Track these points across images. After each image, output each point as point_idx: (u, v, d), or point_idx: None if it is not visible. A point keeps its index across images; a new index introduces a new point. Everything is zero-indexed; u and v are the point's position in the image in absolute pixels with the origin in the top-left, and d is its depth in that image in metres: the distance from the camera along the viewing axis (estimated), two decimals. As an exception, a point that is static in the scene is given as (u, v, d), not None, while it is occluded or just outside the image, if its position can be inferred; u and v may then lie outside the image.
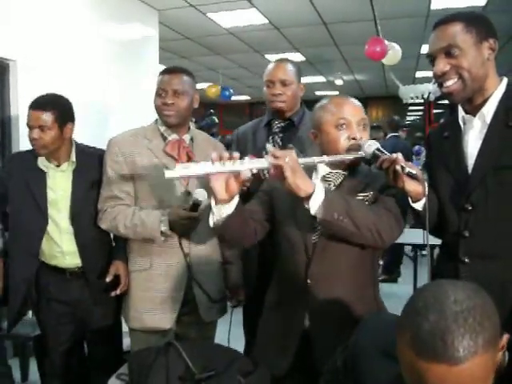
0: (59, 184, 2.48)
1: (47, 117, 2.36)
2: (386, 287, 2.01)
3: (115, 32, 5.29)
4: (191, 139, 2.39)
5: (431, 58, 1.76)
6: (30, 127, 2.39)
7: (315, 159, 1.71)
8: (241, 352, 1.86)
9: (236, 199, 1.69)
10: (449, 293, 0.99)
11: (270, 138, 2.67)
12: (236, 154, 1.60)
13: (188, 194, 2.26)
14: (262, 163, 1.60)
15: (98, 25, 4.96)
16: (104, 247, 2.55)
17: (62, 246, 2.48)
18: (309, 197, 1.62)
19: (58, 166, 2.49)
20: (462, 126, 1.83)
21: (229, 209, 1.68)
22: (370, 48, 6.42)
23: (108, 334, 2.58)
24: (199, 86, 12.37)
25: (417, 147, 7.93)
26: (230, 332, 2.35)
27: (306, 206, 1.63)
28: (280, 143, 2.63)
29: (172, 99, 2.27)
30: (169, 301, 2.28)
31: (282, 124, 2.67)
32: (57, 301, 2.51)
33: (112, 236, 2.56)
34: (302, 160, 1.65)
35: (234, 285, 2.50)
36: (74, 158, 2.50)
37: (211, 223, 1.74)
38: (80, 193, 2.47)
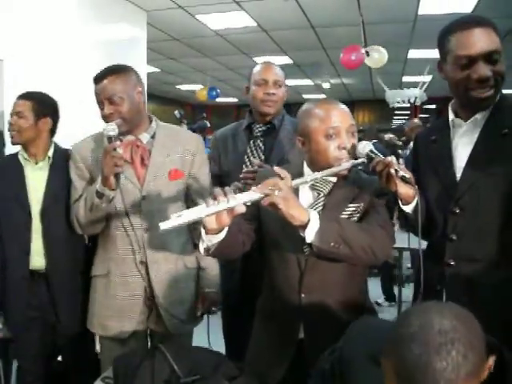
0: (35, 180, 2.48)
1: (25, 104, 2.46)
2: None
3: (103, 32, 5.27)
4: (152, 136, 2.25)
5: (469, 60, 1.67)
6: (11, 115, 2.48)
7: (308, 178, 1.68)
8: (226, 356, 1.85)
9: (227, 228, 1.63)
10: (434, 321, 0.98)
11: (252, 141, 2.64)
12: (227, 189, 1.55)
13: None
14: (255, 195, 1.56)
15: (86, 25, 4.94)
16: (71, 250, 2.49)
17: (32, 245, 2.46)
18: (303, 225, 1.58)
19: (36, 163, 2.50)
20: (452, 129, 1.84)
21: (220, 236, 1.64)
22: (345, 56, 6.42)
23: (79, 337, 2.52)
24: (187, 87, 12.40)
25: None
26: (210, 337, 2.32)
27: (302, 234, 1.59)
28: (262, 147, 2.61)
29: (109, 109, 2.12)
30: (126, 309, 2.21)
31: (263, 128, 2.63)
32: (28, 305, 2.46)
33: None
34: (294, 182, 1.62)
35: (200, 291, 2.36)
36: (50, 153, 2.50)
37: (202, 250, 1.70)
38: (52, 190, 2.45)
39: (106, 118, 2.12)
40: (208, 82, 10.59)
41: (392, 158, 1.64)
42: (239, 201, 1.54)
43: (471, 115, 1.77)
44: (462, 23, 1.71)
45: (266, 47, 8.15)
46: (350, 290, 1.84)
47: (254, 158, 2.57)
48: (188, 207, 2.20)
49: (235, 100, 14.90)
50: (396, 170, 1.60)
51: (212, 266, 2.36)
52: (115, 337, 2.24)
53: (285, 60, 9.03)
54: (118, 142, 2.02)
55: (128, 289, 2.22)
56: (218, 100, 11.31)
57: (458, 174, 1.78)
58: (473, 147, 1.76)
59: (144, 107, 2.25)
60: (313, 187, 1.83)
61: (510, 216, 1.69)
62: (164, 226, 1.50)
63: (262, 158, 2.57)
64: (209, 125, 8.14)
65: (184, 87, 12.38)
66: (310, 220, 1.58)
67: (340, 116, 1.76)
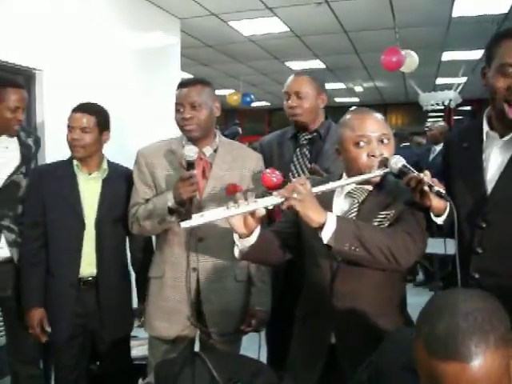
0: (88, 191, 2.53)
1: (89, 119, 2.47)
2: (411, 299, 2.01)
3: (139, 41, 5.37)
4: (215, 150, 2.35)
5: None
6: (72, 128, 2.48)
7: (331, 185, 1.74)
8: (266, 364, 1.87)
9: (257, 231, 1.75)
10: (460, 296, 1.04)
11: (298, 150, 2.67)
12: (249, 193, 1.67)
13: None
14: (274, 200, 1.65)
15: (122, 34, 5.05)
16: (120, 259, 2.59)
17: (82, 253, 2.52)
18: (322, 227, 1.63)
19: (89, 174, 2.55)
20: (485, 140, 1.81)
21: (251, 240, 1.74)
22: (386, 58, 6.41)
23: (119, 344, 2.60)
24: (219, 92, 12.47)
25: None
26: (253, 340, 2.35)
27: (320, 235, 1.64)
28: (308, 155, 2.63)
29: (190, 113, 2.23)
30: (175, 312, 2.30)
31: (309, 136, 2.67)
32: (73, 313, 2.52)
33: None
34: (316, 189, 1.68)
35: (250, 308, 2.38)
36: (105, 165, 2.56)
37: (237, 254, 1.81)
38: (106, 201, 2.53)
39: (183, 121, 2.24)
40: (241, 87, 10.63)
41: (425, 174, 1.63)
42: (259, 205, 1.66)
43: (508, 131, 1.74)
44: None
45: (298, 52, 8.15)
46: (384, 297, 1.84)
47: (300, 166, 2.61)
48: None
49: (267, 104, 14.91)
50: (430, 186, 1.60)
51: (264, 283, 2.39)
52: (161, 337, 2.33)
53: (317, 64, 9.02)
54: (195, 171, 2.12)
55: (178, 292, 2.30)
56: (251, 104, 11.36)
57: (489, 187, 1.76)
58: (507, 163, 1.74)
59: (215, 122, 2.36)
60: (349, 195, 1.85)
61: None
62: (185, 224, 1.64)
63: (308, 166, 2.59)
64: (241, 131, 8.11)
65: (216, 92, 12.47)
66: (327, 221, 1.62)
67: (371, 125, 1.79)
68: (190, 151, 2.10)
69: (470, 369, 0.95)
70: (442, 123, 7.12)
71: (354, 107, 1.98)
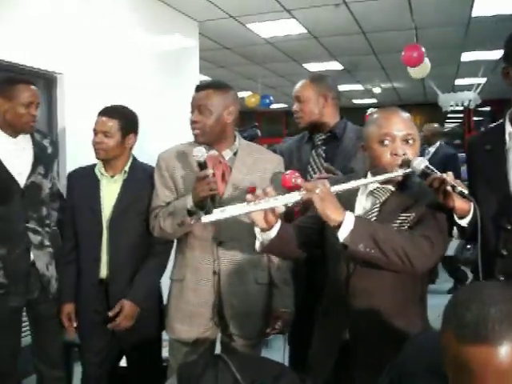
0: (109, 193, 2.57)
1: (112, 124, 2.50)
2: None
3: (158, 44, 5.42)
4: (234, 154, 2.34)
5: None
6: (95, 131, 2.52)
7: (349, 185, 1.74)
8: (288, 366, 1.88)
9: (277, 225, 1.78)
10: (488, 286, 1.06)
11: (313, 151, 2.70)
12: (269, 190, 1.70)
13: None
14: (294, 197, 1.68)
15: (141, 37, 5.09)
16: (134, 261, 2.57)
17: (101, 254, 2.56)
18: (340, 225, 1.63)
19: (112, 176, 2.58)
20: (508, 141, 1.80)
21: (271, 234, 1.78)
22: (406, 54, 6.37)
23: (146, 345, 2.60)
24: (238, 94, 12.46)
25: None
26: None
27: (336, 234, 1.65)
28: (323, 155, 2.67)
29: (196, 117, 2.25)
30: (197, 315, 2.31)
31: (324, 136, 2.70)
32: (95, 311, 2.57)
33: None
34: (335, 188, 1.69)
35: (274, 310, 2.38)
36: (127, 168, 2.59)
37: (258, 248, 1.84)
38: (123, 203, 2.55)
39: (191, 124, 2.27)
40: (259, 89, 10.62)
41: (448, 174, 1.62)
42: (279, 202, 1.69)
43: None
44: None
45: (316, 53, 8.14)
46: (399, 298, 1.82)
47: (317, 166, 2.63)
48: None
49: (285, 106, 14.89)
50: (453, 187, 1.59)
51: (286, 284, 2.39)
52: (181, 339, 2.34)
53: (335, 66, 8.99)
54: (210, 170, 2.11)
55: (199, 296, 2.31)
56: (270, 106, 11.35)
57: None
58: None
59: (231, 126, 2.33)
60: (372, 194, 1.85)
61: None
62: (206, 219, 1.70)
63: (325, 165, 2.60)
64: (260, 134, 8.10)
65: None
66: (345, 221, 1.63)
67: (397, 124, 1.78)
68: (198, 152, 2.09)
69: (499, 354, 0.94)
70: (436, 124, 6.90)
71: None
